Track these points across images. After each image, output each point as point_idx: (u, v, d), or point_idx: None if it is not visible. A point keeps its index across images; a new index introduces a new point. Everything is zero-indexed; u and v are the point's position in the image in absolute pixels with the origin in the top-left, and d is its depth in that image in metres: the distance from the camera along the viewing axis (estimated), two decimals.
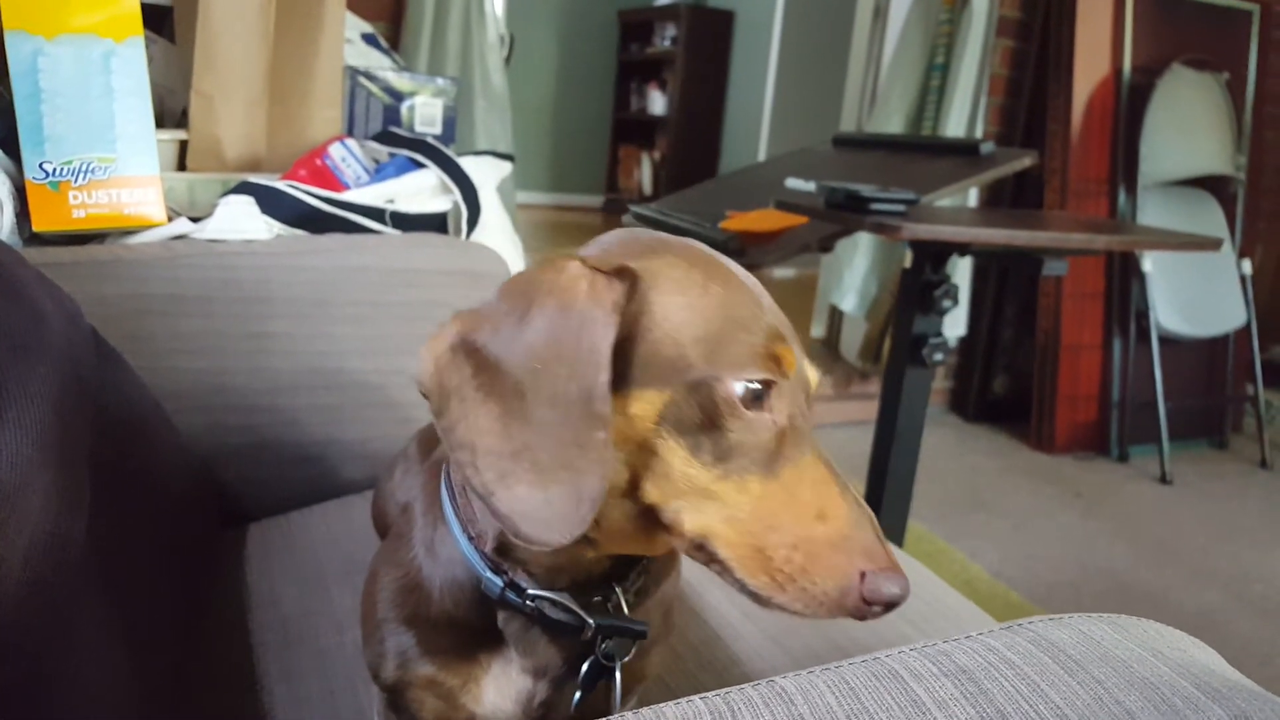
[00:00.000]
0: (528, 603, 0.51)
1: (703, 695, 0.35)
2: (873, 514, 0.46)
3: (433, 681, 0.55)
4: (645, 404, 0.45)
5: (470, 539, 0.51)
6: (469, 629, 0.54)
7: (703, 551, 0.46)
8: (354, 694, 0.77)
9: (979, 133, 2.82)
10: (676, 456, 0.45)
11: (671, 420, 0.45)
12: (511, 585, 0.51)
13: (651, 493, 0.46)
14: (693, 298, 0.46)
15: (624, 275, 0.45)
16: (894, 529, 1.60)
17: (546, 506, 0.42)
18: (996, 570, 2.09)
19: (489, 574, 0.51)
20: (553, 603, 0.51)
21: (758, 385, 0.45)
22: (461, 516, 0.52)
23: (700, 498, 0.45)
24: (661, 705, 0.35)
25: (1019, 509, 2.44)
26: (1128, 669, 0.35)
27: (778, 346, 0.46)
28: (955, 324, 2.95)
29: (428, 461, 0.61)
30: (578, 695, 0.54)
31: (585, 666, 0.54)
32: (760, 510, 0.45)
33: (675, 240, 0.51)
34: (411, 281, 1.19)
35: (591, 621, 0.51)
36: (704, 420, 0.45)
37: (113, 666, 0.62)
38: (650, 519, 0.47)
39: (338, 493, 1.12)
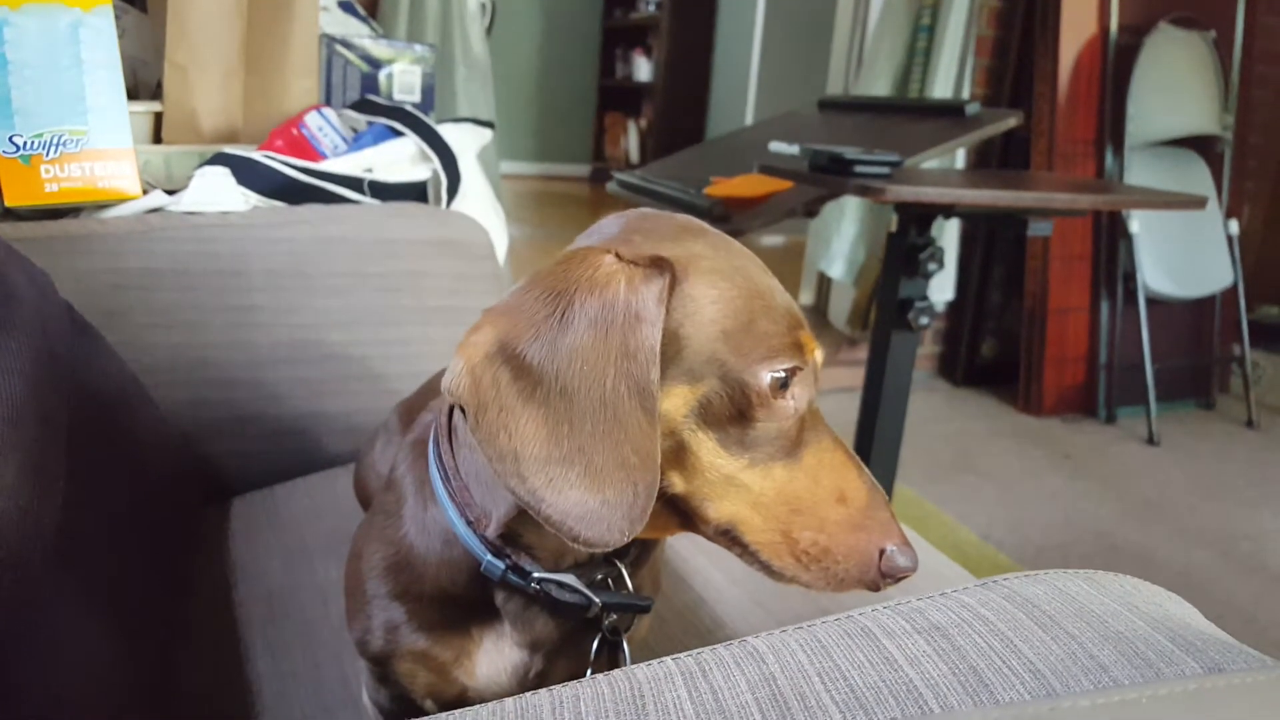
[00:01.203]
0: (533, 585, 0.51)
1: (674, 656, 0.35)
2: (884, 491, 0.48)
3: (424, 655, 0.55)
4: (676, 399, 0.45)
5: (468, 522, 0.50)
6: (462, 604, 0.54)
7: (727, 537, 0.47)
8: (340, 666, 0.77)
9: (966, 94, 2.80)
10: (705, 448, 0.46)
11: (701, 413, 0.45)
12: (514, 568, 0.50)
13: (678, 483, 0.46)
14: (723, 289, 0.46)
15: (663, 267, 0.45)
16: None
17: (604, 508, 0.42)
18: (985, 533, 2.10)
19: (490, 558, 0.50)
20: (559, 585, 0.51)
21: (784, 374, 0.46)
22: (457, 500, 0.51)
23: (727, 486, 0.46)
24: (634, 666, 0.35)
25: (1007, 472, 2.45)
26: (1102, 623, 0.35)
27: (800, 334, 0.47)
28: (943, 288, 2.95)
29: (409, 437, 0.60)
30: (589, 672, 0.54)
31: (595, 644, 0.55)
32: (785, 495, 0.46)
33: (690, 222, 0.51)
34: (391, 252, 1.18)
35: (599, 601, 0.51)
36: (733, 412, 0.45)
37: (93, 642, 0.62)
38: (674, 507, 0.47)
39: (321, 466, 1.12)
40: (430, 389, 0.78)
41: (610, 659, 0.56)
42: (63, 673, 0.56)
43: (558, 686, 0.34)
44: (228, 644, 0.81)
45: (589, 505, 0.42)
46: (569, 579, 0.51)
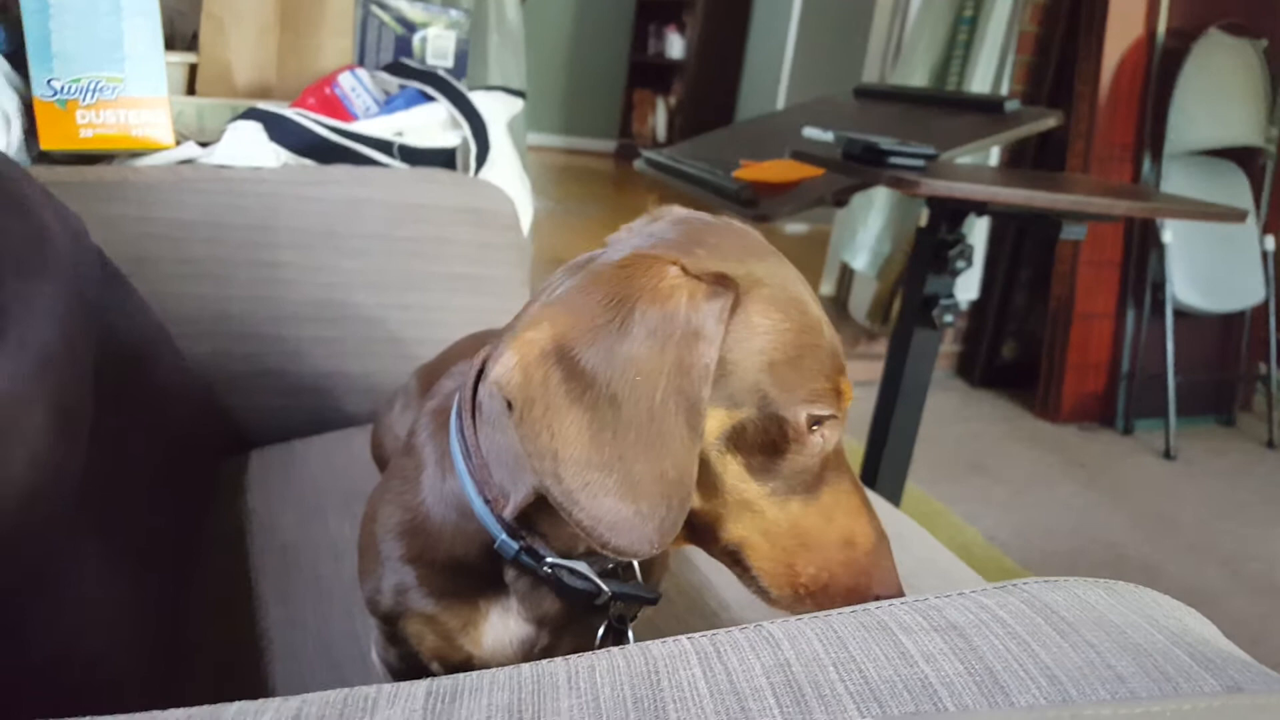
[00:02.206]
0: (544, 569, 0.51)
1: (689, 635, 0.35)
2: (889, 540, 0.49)
3: (432, 620, 0.55)
4: (713, 420, 0.45)
5: (486, 500, 0.51)
6: (473, 575, 0.54)
7: (732, 557, 0.49)
8: (349, 621, 0.77)
9: (1004, 90, 2.77)
10: (730, 471, 0.47)
11: (733, 438, 0.46)
12: (528, 550, 0.51)
13: (696, 500, 0.47)
14: (776, 320, 0.46)
15: (727, 286, 0.44)
16: (891, 490, 1.60)
17: (637, 519, 0.42)
18: (992, 535, 2.09)
19: (504, 537, 0.50)
20: (571, 571, 0.51)
21: (821, 416, 0.46)
22: (476, 477, 0.51)
23: (743, 510, 0.47)
24: (648, 642, 0.35)
25: (1019, 476, 2.44)
26: (1121, 634, 0.35)
27: (841, 380, 0.48)
28: (968, 287, 2.93)
29: (430, 404, 0.60)
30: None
31: (600, 632, 0.55)
32: (797, 529, 0.47)
33: (755, 241, 0.50)
34: (418, 216, 1.18)
35: (609, 590, 0.52)
36: (764, 442, 0.46)
37: (109, 583, 0.63)
38: (686, 522, 0.47)
39: (339, 424, 1.12)
40: (450, 356, 0.79)
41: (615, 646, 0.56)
42: (80, 610, 0.57)
43: (573, 657, 0.34)
44: (240, 594, 0.82)
45: (622, 514, 0.42)
46: (580, 566, 0.51)
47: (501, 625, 0.55)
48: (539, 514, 0.50)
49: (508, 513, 0.49)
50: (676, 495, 0.42)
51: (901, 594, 0.47)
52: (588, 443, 0.42)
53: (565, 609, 0.55)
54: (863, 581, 0.47)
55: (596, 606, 0.54)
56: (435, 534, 0.54)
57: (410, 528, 0.55)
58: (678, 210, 0.55)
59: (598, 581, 0.51)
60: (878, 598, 0.46)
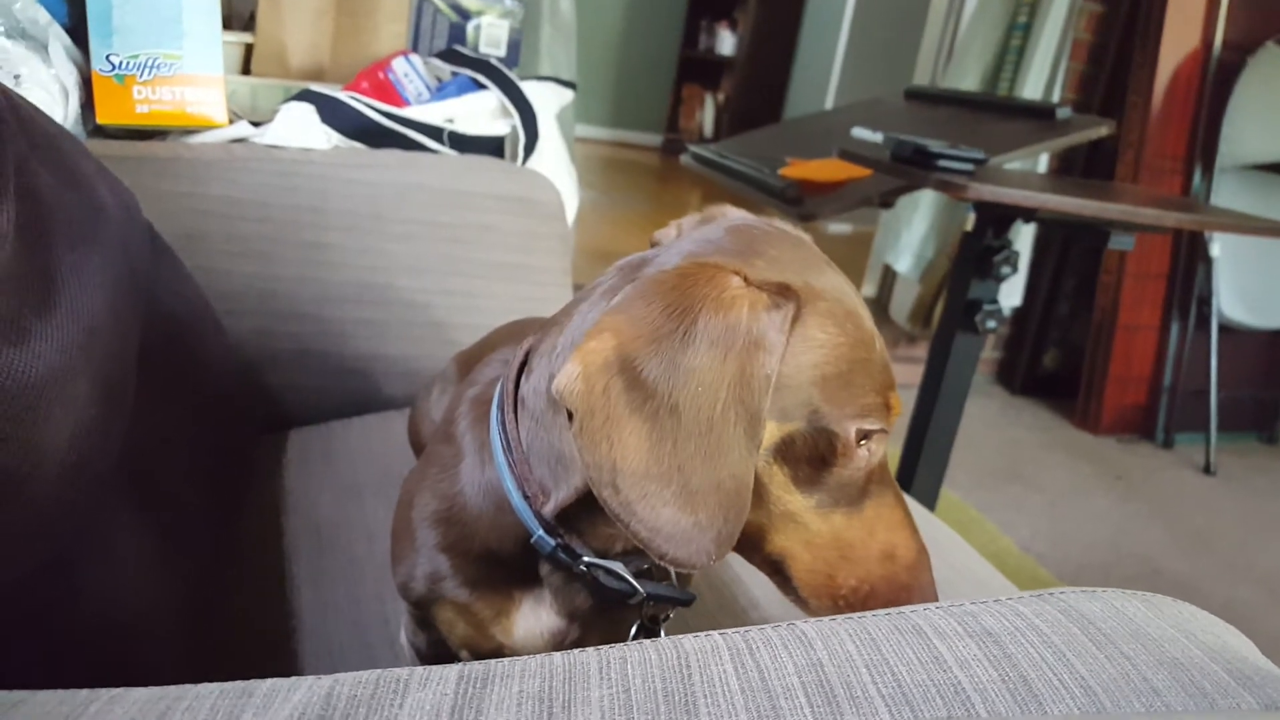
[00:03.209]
0: (580, 567, 0.51)
1: (722, 631, 0.35)
2: (929, 554, 0.50)
3: (465, 608, 0.56)
4: (765, 433, 0.45)
5: (525, 495, 0.51)
6: (507, 567, 0.54)
7: (772, 566, 0.49)
8: (380, 604, 0.78)
9: (1056, 97, 2.73)
10: (776, 482, 0.47)
11: (782, 449, 0.46)
12: (565, 547, 0.51)
13: None
14: (832, 334, 0.46)
15: (788, 297, 0.44)
16: (927, 495, 1.59)
17: (695, 530, 0.42)
18: (1027, 545, 2.07)
19: (541, 533, 0.50)
20: (606, 571, 0.51)
21: (870, 431, 0.46)
22: (516, 472, 0.51)
23: (787, 521, 0.47)
24: (680, 636, 0.35)
25: (1056, 486, 2.42)
26: (1158, 647, 0.34)
27: (891, 395, 0.48)
28: (1011, 293, 2.90)
29: (470, 392, 0.60)
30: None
31: (633, 631, 0.56)
32: (839, 540, 0.47)
33: (813, 253, 0.50)
34: (465, 204, 1.19)
35: (644, 592, 0.52)
36: (812, 455, 0.46)
37: (148, 552, 0.64)
38: None
39: (378, 407, 1.13)
40: (488, 343, 0.79)
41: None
42: (121, 581, 0.58)
43: (605, 647, 0.35)
44: (272, 571, 0.83)
45: (681, 525, 0.41)
46: (617, 567, 0.51)
47: (533, 617, 0.55)
48: (579, 513, 0.50)
49: (548, 510, 0.49)
50: (734, 506, 0.42)
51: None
52: (647, 453, 0.41)
53: (597, 604, 0.55)
54: (902, 596, 0.48)
55: (629, 605, 0.54)
56: (471, 524, 0.54)
57: (446, 516, 0.56)
58: (731, 213, 0.55)
59: (633, 582, 0.51)
60: None
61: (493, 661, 0.34)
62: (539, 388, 0.48)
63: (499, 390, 0.54)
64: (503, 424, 0.52)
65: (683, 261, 0.46)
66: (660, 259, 0.48)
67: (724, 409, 0.42)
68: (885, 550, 0.48)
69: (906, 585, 0.48)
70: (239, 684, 0.32)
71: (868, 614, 0.36)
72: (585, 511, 0.49)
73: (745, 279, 0.44)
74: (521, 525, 0.51)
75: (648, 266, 0.47)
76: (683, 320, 0.42)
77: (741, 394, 0.42)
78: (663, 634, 0.56)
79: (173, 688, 0.32)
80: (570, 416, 0.42)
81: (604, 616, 0.56)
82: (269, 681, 0.32)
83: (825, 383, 0.45)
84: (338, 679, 0.32)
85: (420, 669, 0.33)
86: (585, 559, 0.51)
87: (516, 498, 0.50)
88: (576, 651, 0.34)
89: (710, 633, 0.35)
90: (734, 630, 0.35)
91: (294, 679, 0.33)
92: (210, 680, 0.33)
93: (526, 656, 0.34)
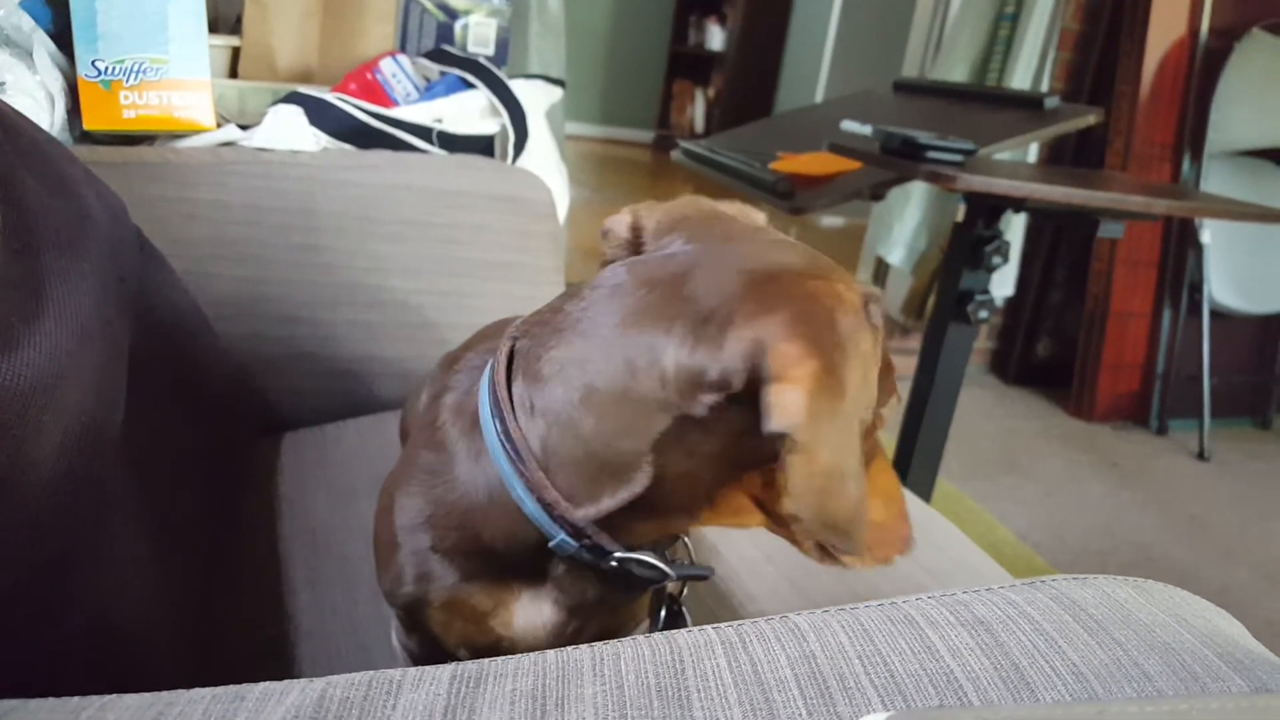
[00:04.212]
0: (610, 563, 0.50)
1: (715, 625, 0.35)
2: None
3: (461, 603, 0.55)
4: None
5: (543, 504, 0.49)
6: (509, 563, 0.54)
7: (787, 530, 0.50)
8: (377, 605, 0.78)
9: (1045, 87, 2.73)
10: None
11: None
12: (592, 548, 0.50)
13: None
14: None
15: (871, 301, 0.47)
16: (922, 486, 1.59)
17: (860, 517, 0.43)
18: (1023, 534, 2.08)
19: (564, 537, 0.49)
20: (639, 562, 0.51)
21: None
22: (528, 480, 0.49)
23: None
24: (674, 631, 0.35)
25: (1052, 475, 2.42)
26: (1149, 632, 0.34)
27: (892, 376, 0.50)
28: (1003, 283, 2.90)
29: (449, 398, 0.58)
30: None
31: (663, 614, 0.58)
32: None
33: (823, 258, 0.51)
34: (455, 203, 1.19)
35: (675, 575, 0.52)
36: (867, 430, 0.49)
37: (143, 558, 0.64)
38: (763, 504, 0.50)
39: (372, 409, 1.13)
40: (474, 343, 0.77)
41: (672, 627, 0.57)
42: (114, 587, 0.58)
43: (599, 644, 0.35)
44: (269, 575, 0.83)
45: (860, 514, 0.43)
46: (648, 556, 0.51)
47: (534, 608, 0.55)
48: (615, 514, 0.49)
49: (585, 516, 0.48)
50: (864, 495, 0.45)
51: (911, 544, 0.53)
52: (848, 455, 0.42)
53: (601, 594, 0.55)
54: (893, 541, 0.53)
55: (634, 593, 0.55)
56: (472, 527, 0.53)
57: (438, 520, 0.54)
58: (702, 205, 0.55)
59: (665, 568, 0.51)
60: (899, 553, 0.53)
61: (486, 660, 0.34)
62: (569, 398, 0.47)
63: (487, 394, 0.53)
64: (504, 431, 0.50)
65: (757, 268, 0.46)
66: (710, 280, 0.46)
67: (856, 410, 0.43)
68: (882, 499, 0.52)
69: (894, 529, 0.53)
70: (231, 688, 0.32)
71: (860, 605, 0.36)
72: (623, 512, 0.48)
73: (849, 288, 0.46)
74: (531, 528, 0.50)
75: (692, 283, 0.46)
76: (839, 328, 0.43)
77: (868, 395, 0.45)
78: (687, 615, 0.58)
79: (165, 693, 0.32)
80: (791, 445, 0.41)
81: (602, 605, 0.56)
82: (261, 685, 0.32)
83: (876, 373, 0.47)
84: (330, 681, 0.32)
85: (413, 670, 0.33)
86: (618, 555, 0.50)
87: (531, 505, 0.49)
88: (570, 649, 0.34)
89: (704, 627, 0.35)
90: (727, 624, 0.35)
91: (286, 682, 0.33)
92: (207, 684, 0.33)
93: (519, 655, 0.34)
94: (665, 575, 0.51)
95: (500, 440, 0.50)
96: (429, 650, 0.61)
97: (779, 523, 0.49)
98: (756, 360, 0.41)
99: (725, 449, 0.45)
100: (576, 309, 0.49)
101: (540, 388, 0.48)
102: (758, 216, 0.56)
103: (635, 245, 0.54)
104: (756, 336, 0.42)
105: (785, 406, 0.40)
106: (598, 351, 0.47)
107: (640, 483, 0.46)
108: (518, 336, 0.52)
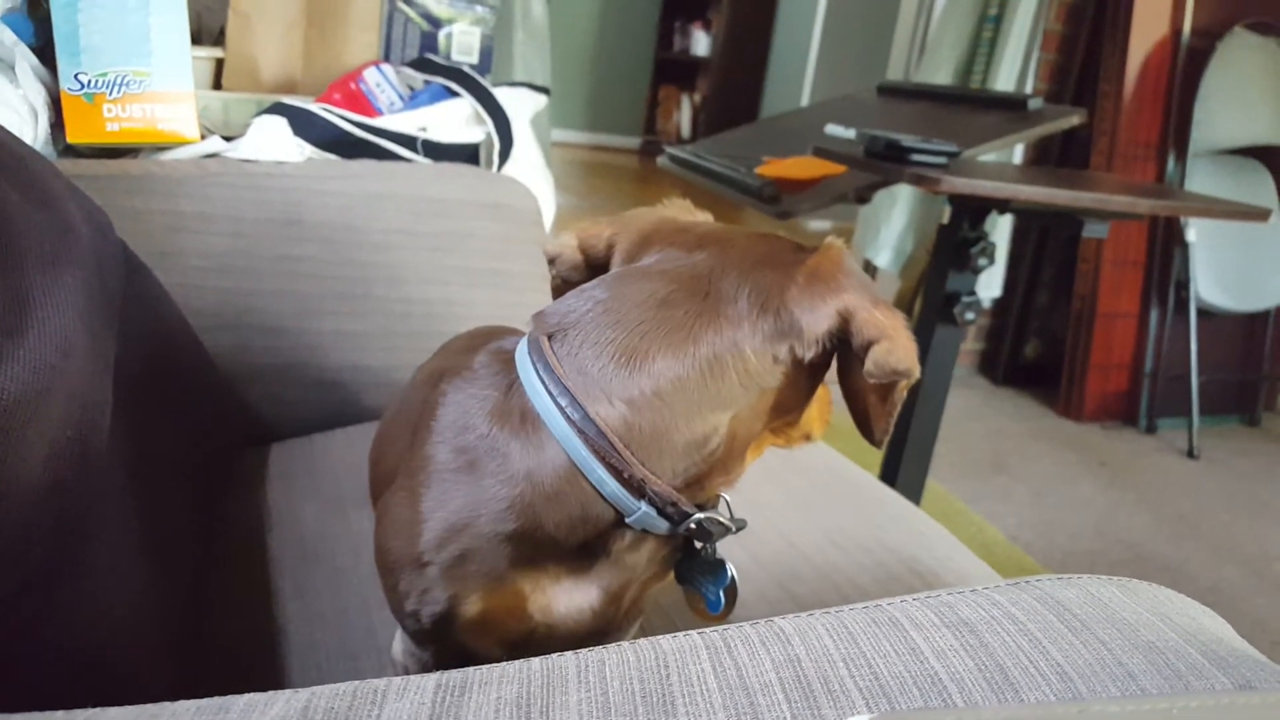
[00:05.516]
0: (688, 525, 0.54)
1: (700, 630, 0.35)
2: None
3: (500, 604, 0.55)
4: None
5: (627, 482, 0.51)
6: (559, 554, 0.54)
7: (786, 440, 0.61)
8: (367, 614, 0.78)
9: (1029, 89, 2.75)
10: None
11: None
12: (676, 514, 0.53)
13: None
14: None
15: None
16: (912, 488, 1.60)
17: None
18: (1013, 535, 2.08)
19: (645, 508, 0.52)
20: (710, 520, 0.55)
21: None
22: (615, 463, 0.51)
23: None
24: (658, 637, 0.35)
25: (1041, 475, 2.43)
26: (1133, 631, 0.34)
27: None
28: (990, 285, 2.92)
29: (472, 404, 0.56)
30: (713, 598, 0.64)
31: (730, 575, 0.62)
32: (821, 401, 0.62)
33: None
34: (441, 211, 1.19)
35: (734, 527, 0.57)
36: None
37: (129, 570, 0.64)
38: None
39: (360, 418, 1.13)
40: (448, 351, 0.74)
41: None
42: (99, 602, 0.58)
43: (583, 650, 0.35)
44: (258, 585, 0.82)
45: None
46: (718, 514, 0.55)
47: (579, 592, 0.56)
48: (693, 479, 0.54)
49: (673, 485, 0.53)
50: None
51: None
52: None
53: (652, 565, 0.58)
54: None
55: (661, 567, 0.60)
56: (532, 520, 0.52)
57: (485, 524, 0.53)
58: (668, 232, 0.60)
59: (731, 521, 0.56)
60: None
61: (470, 669, 0.34)
62: (653, 387, 0.51)
63: (546, 391, 0.52)
64: (583, 420, 0.51)
65: (783, 257, 0.55)
66: (739, 288, 0.54)
67: None
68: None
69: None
70: (216, 700, 0.32)
71: (845, 608, 0.37)
72: (696, 476, 0.54)
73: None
74: (605, 508, 0.52)
75: (738, 294, 0.53)
76: (859, 277, 0.54)
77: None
78: (730, 569, 0.62)
79: (150, 706, 0.32)
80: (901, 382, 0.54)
81: (640, 580, 0.59)
82: (245, 697, 0.32)
83: None
84: (315, 692, 0.32)
85: (398, 679, 0.33)
86: (695, 516, 0.54)
87: (612, 485, 0.51)
88: (555, 656, 0.34)
89: (689, 632, 0.35)
90: (712, 629, 0.35)
91: (271, 693, 0.33)
92: (194, 696, 0.33)
93: (505, 664, 0.34)
94: (730, 528, 0.56)
95: (577, 429, 0.51)
96: (448, 658, 0.60)
97: (787, 440, 0.60)
98: (845, 326, 0.52)
99: (779, 402, 0.54)
100: (621, 309, 0.53)
101: (616, 380, 0.51)
102: (700, 214, 0.64)
103: (590, 265, 0.61)
104: (840, 308, 0.52)
105: (899, 355, 0.52)
106: (668, 346, 0.52)
107: (714, 446, 0.53)
108: (550, 336, 0.53)
